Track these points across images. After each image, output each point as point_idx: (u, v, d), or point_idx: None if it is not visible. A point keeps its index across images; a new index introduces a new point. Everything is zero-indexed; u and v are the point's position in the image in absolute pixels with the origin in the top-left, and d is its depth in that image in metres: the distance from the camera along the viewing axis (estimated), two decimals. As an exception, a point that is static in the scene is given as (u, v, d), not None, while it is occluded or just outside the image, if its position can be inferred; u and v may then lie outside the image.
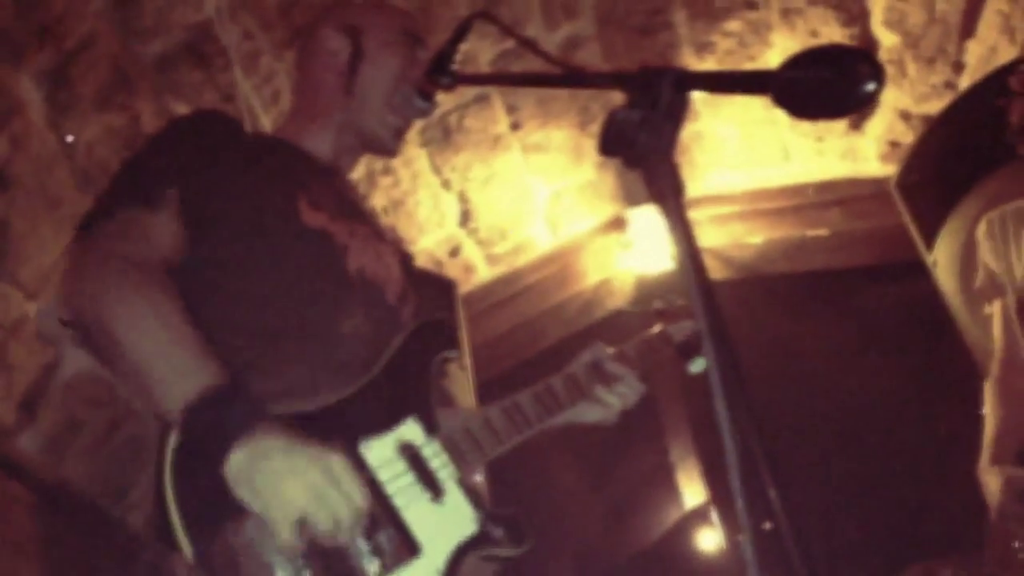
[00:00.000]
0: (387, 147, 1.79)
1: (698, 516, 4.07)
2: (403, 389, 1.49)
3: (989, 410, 2.13)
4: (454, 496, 1.43)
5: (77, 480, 2.33)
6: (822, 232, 3.78)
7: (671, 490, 4.15)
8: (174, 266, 1.46)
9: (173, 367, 1.28)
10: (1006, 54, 2.88)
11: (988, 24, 2.93)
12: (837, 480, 3.38)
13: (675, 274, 3.91)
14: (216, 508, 1.23)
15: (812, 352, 3.72)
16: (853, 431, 3.50)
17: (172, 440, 1.27)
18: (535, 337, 4.05)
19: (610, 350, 1.85)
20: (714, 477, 4.01)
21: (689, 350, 2.02)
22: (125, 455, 2.48)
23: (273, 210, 1.56)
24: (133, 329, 1.30)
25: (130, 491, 2.45)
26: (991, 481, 1.96)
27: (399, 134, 1.78)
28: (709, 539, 3.99)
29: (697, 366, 2.02)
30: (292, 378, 1.43)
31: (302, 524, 1.22)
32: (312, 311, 1.51)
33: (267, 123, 2.89)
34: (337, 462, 1.26)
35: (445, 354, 1.61)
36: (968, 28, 2.99)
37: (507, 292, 4.01)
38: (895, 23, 3.06)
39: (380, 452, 1.39)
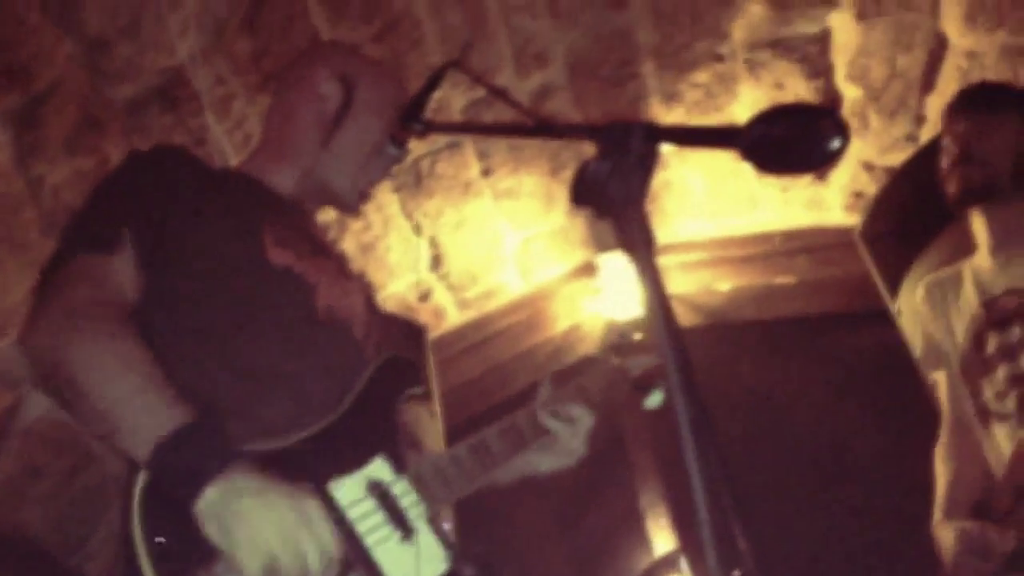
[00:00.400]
0: (349, 207, 1.77)
1: (667, 564, 4.04)
2: (370, 426, 1.48)
3: (940, 470, 2.16)
4: (424, 535, 1.42)
5: (35, 527, 2.27)
6: (789, 280, 3.83)
7: (640, 537, 4.13)
8: (135, 307, 1.45)
9: (141, 411, 1.27)
10: (965, 108, 2.96)
11: (947, 79, 3.01)
12: (803, 526, 3.39)
13: (644, 320, 3.94)
14: (185, 549, 1.21)
15: (780, 398, 3.74)
16: (820, 477, 3.52)
17: (140, 479, 1.25)
18: (505, 382, 4.04)
19: (566, 387, 1.85)
20: (684, 524, 4.00)
21: (645, 385, 2.02)
22: (85, 502, 2.43)
23: (238, 249, 1.53)
24: (96, 376, 1.29)
25: (89, 539, 2.39)
26: (945, 535, 1.98)
27: (364, 197, 1.76)
28: (679, 587, 3.97)
29: (652, 401, 2.01)
30: (260, 417, 1.42)
31: (271, 566, 1.20)
32: (280, 350, 1.49)
33: (239, 164, 2.89)
34: (311, 504, 1.25)
35: (410, 391, 1.60)
36: (928, 83, 3.08)
37: (477, 337, 4.01)
38: (858, 77, 3.14)
39: (350, 491, 1.37)
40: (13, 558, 2.00)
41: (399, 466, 1.46)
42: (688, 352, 0.87)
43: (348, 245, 3.40)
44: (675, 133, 1.01)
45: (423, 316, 3.79)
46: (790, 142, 0.87)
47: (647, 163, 0.97)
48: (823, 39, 3.12)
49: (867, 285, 3.23)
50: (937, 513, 2.06)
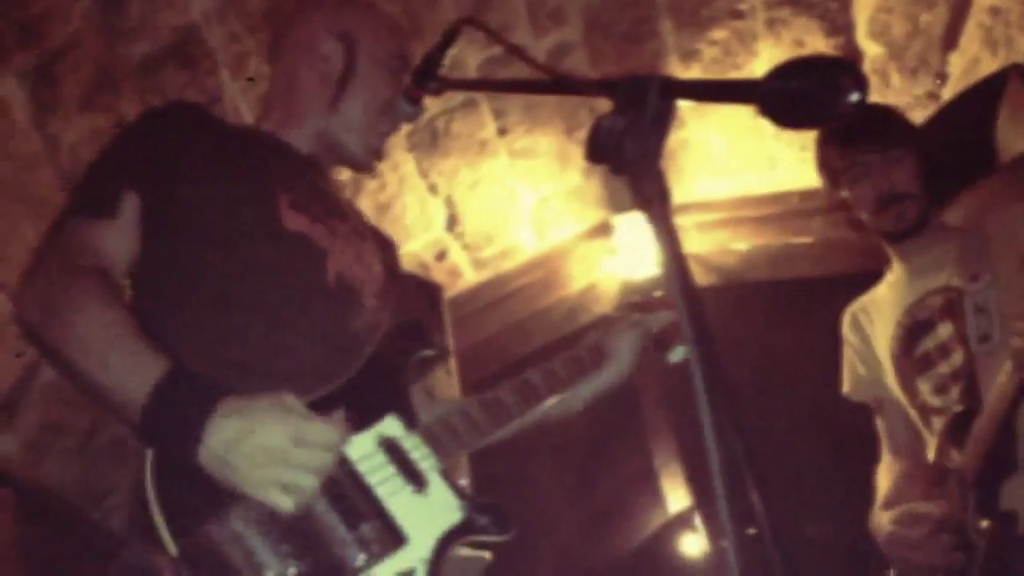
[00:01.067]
0: (362, 165, 1.75)
1: (682, 521, 4.09)
2: (381, 388, 1.49)
3: (882, 475, 2.24)
4: (437, 486, 1.44)
5: (57, 481, 2.31)
6: (806, 240, 3.80)
7: (655, 495, 4.17)
8: (128, 271, 1.45)
9: (117, 376, 1.27)
10: (988, 66, 2.91)
11: (970, 37, 2.96)
12: (816, 484, 3.40)
13: (660, 280, 3.93)
14: (199, 504, 1.23)
15: (794, 359, 3.74)
16: (833, 437, 3.53)
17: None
18: (521, 341, 4.05)
19: (598, 332, 1.89)
20: (698, 482, 4.03)
21: (666, 341, 2.02)
22: (106, 458, 2.46)
23: (251, 210, 1.52)
24: (71, 344, 1.30)
25: (111, 495, 2.43)
26: (881, 519, 2.07)
27: (377, 154, 1.73)
28: (693, 544, 4.01)
29: (676, 356, 2.02)
30: (268, 381, 1.40)
31: (286, 488, 1.22)
32: (288, 317, 1.49)
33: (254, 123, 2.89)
34: (293, 413, 1.26)
35: (422, 353, 1.60)
36: (951, 40, 3.02)
37: (493, 296, 4.02)
38: (879, 34, 3.09)
39: (360, 447, 1.39)
40: (37, 510, 2.04)
41: (411, 423, 1.47)
42: (704, 308, 0.87)
43: (364, 204, 3.40)
44: (692, 88, 0.99)
45: (439, 275, 3.79)
46: (808, 96, 0.86)
47: (663, 119, 0.96)
48: (844, -5, 3.07)
49: (881, 246, 3.20)
50: (875, 508, 2.14)
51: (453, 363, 3.34)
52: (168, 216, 1.47)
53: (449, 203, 3.65)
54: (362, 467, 1.37)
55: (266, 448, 1.22)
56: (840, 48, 3.17)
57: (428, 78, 1.59)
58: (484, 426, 1.58)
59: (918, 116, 3.22)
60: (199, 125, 1.59)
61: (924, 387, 2.06)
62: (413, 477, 1.41)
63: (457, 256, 3.88)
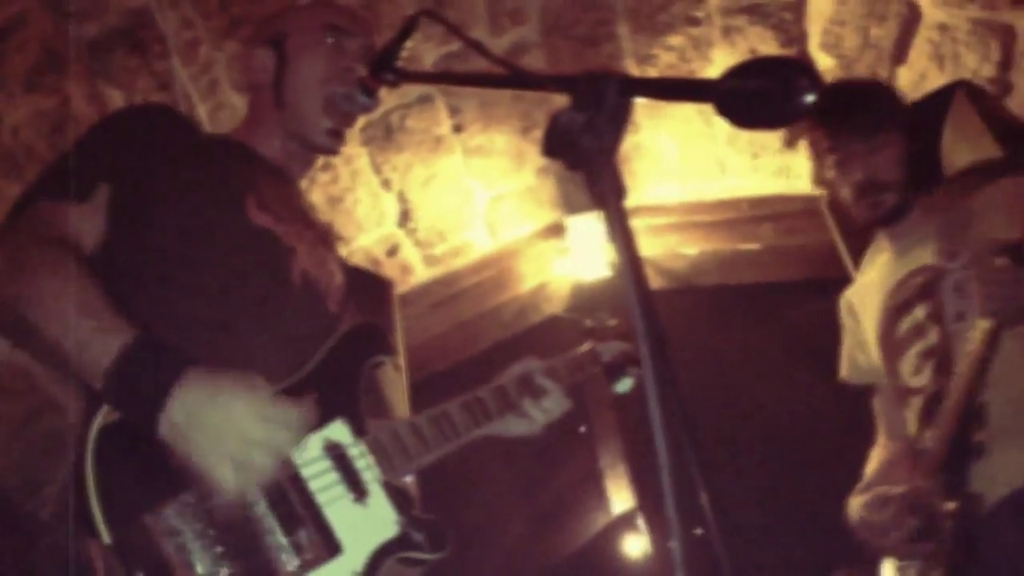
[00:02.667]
0: (325, 149, 1.78)
1: (625, 522, 4.11)
2: (332, 391, 1.48)
3: (871, 462, 2.26)
4: (377, 498, 1.43)
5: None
6: (754, 246, 3.86)
7: (599, 496, 4.18)
8: (90, 255, 1.45)
9: (83, 340, 1.27)
10: (935, 81, 2.98)
11: (918, 51, 3.03)
12: (761, 489, 3.45)
13: (611, 282, 3.96)
14: (137, 494, 1.22)
15: (741, 363, 3.79)
16: (778, 442, 3.58)
17: (96, 422, 1.24)
18: (471, 339, 4.04)
19: (541, 364, 1.86)
20: (642, 484, 4.05)
21: (616, 370, 2.06)
22: (42, 449, 2.40)
23: (218, 206, 1.54)
24: (38, 308, 1.29)
25: (45, 486, 2.37)
26: (853, 504, 2.10)
27: (336, 135, 1.76)
28: (635, 545, 4.03)
29: (623, 386, 2.06)
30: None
31: (240, 464, 1.22)
32: (249, 309, 1.49)
33: (203, 113, 2.84)
34: (261, 392, 1.27)
35: (377, 358, 1.60)
36: (899, 55, 3.09)
37: (444, 294, 4.00)
38: (831, 46, 3.15)
39: (306, 450, 1.38)
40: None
41: (358, 430, 1.46)
42: (656, 306, 0.87)
43: (316, 197, 3.36)
44: (649, 86, 1.00)
45: (390, 271, 3.77)
46: (764, 96, 0.87)
47: (621, 116, 0.97)
48: (798, 6, 3.11)
49: (831, 254, 3.26)
50: (854, 493, 2.17)
51: (402, 360, 3.32)
52: (138, 209, 1.49)
53: (402, 199, 3.63)
54: (306, 472, 1.36)
55: (227, 421, 1.22)
56: (776, 55, 3.21)
57: (385, 69, 1.58)
58: (431, 441, 1.58)
59: (866, 128, 3.29)
60: (174, 127, 1.65)
61: (904, 368, 2.06)
62: (355, 486, 1.41)
63: (408, 252, 3.86)
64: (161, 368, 1.25)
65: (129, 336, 1.27)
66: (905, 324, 2.08)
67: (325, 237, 1.75)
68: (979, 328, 1.80)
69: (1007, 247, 1.76)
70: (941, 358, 1.96)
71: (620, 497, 4.15)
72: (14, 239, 1.41)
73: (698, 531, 0.81)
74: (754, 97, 0.87)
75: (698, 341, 3.67)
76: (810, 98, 0.84)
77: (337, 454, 1.41)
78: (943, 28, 2.90)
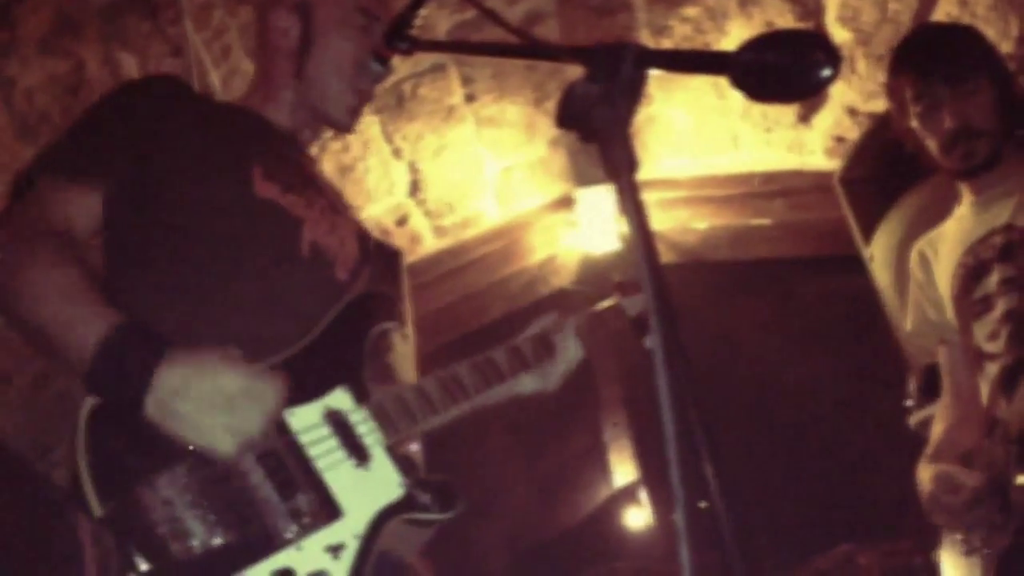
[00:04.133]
0: (342, 125, 1.75)
1: (627, 494, 4.13)
2: (336, 359, 1.47)
3: (937, 422, 2.18)
4: (380, 461, 1.42)
5: (4, 431, 2.27)
6: (766, 221, 3.84)
7: (602, 468, 4.21)
8: (95, 232, 1.46)
9: (66, 328, 1.28)
10: (952, 57, 2.95)
11: (937, 27, 2.99)
12: (767, 462, 3.46)
13: (620, 256, 3.96)
14: (128, 468, 1.22)
15: (749, 338, 3.79)
16: (786, 415, 3.59)
17: (88, 400, 1.26)
18: (479, 310, 4.05)
19: (560, 319, 1.84)
20: (645, 457, 4.07)
21: (644, 324, 2.00)
22: (52, 411, 2.42)
23: (224, 178, 1.53)
24: (25, 297, 1.31)
25: (56, 447, 2.40)
26: (924, 475, 2.02)
27: (354, 112, 1.74)
28: (637, 517, 4.06)
29: (654, 340, 2.00)
30: (222, 344, 1.41)
31: (232, 437, 1.23)
32: (254, 283, 1.49)
33: (216, 78, 2.83)
34: (233, 351, 1.28)
35: (384, 326, 1.58)
36: (918, 29, 3.05)
37: (453, 264, 4.01)
38: (848, 20, 3.11)
39: (304, 418, 1.38)
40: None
41: (361, 397, 1.46)
42: (666, 280, 0.87)
43: (327, 166, 3.36)
44: (665, 58, 0.99)
45: (399, 241, 3.77)
46: (780, 69, 0.86)
47: (636, 88, 0.96)
48: (816, -22, 3.08)
49: (842, 230, 3.24)
50: (923, 457, 2.10)
51: (410, 329, 3.33)
52: (144, 185, 1.49)
53: (413, 168, 3.63)
54: (304, 438, 1.36)
55: (213, 393, 1.23)
56: (794, 28, 3.18)
57: (399, 38, 1.56)
58: (439, 403, 1.56)
59: (881, 105, 3.26)
60: (179, 99, 1.62)
61: (979, 332, 1.97)
62: (356, 451, 1.40)
63: (418, 222, 3.85)
64: (141, 351, 1.25)
65: (108, 324, 1.27)
66: (983, 286, 1.98)
67: (336, 203, 1.72)
68: None
69: None
70: (1020, 325, 1.87)
71: (623, 470, 4.17)
72: (13, 223, 1.43)
73: (703, 504, 0.81)
74: (770, 71, 0.86)
75: (707, 315, 3.67)
76: (827, 72, 0.84)
77: (337, 420, 1.41)
78: (963, 3, 2.87)
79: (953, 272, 2.08)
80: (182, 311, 1.43)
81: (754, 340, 3.83)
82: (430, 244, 3.94)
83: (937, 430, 2.15)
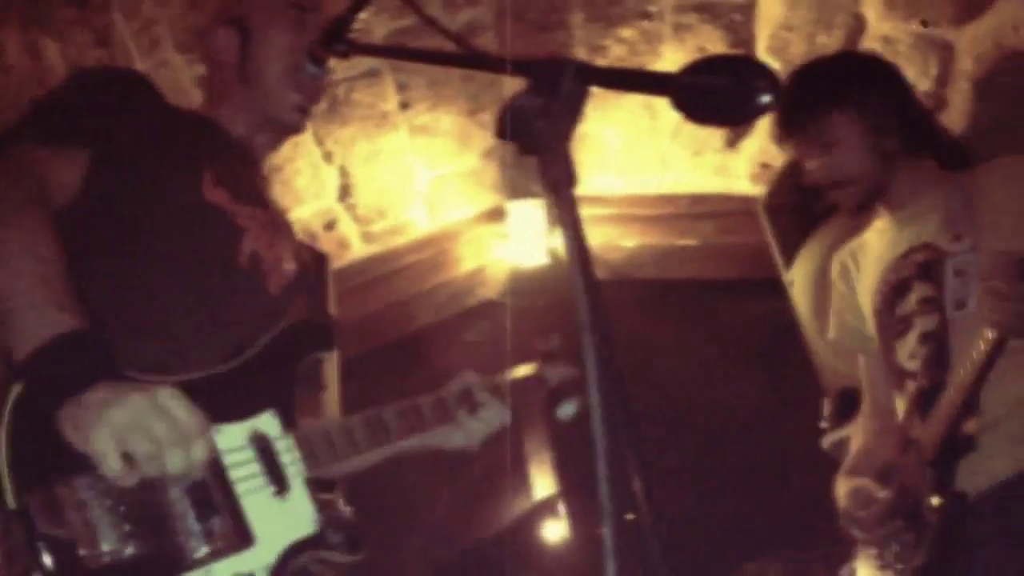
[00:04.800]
0: (291, 124, 1.77)
1: (546, 507, 4.15)
2: (268, 381, 1.46)
3: (855, 436, 2.24)
4: (298, 494, 1.41)
5: None
6: (692, 242, 3.91)
7: (522, 481, 4.22)
8: (63, 209, 1.43)
9: (31, 307, 1.23)
10: (875, 92, 3.05)
11: (861, 62, 3.09)
12: (685, 479, 3.51)
13: (548, 269, 3.98)
14: (50, 463, 1.18)
15: (672, 357, 3.85)
16: (705, 434, 3.65)
17: (15, 388, 1.21)
18: (405, 319, 4.02)
19: (483, 379, 1.84)
20: (565, 470, 4.09)
21: (560, 395, 2.05)
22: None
23: (175, 178, 1.53)
24: (3, 261, 1.26)
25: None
26: (841, 488, 2.08)
27: (301, 110, 1.75)
28: (554, 530, 4.08)
29: (564, 412, 2.04)
30: (157, 347, 1.40)
31: (126, 455, 1.18)
32: (192, 284, 1.48)
33: (143, 69, 2.76)
34: (165, 393, 1.22)
35: (318, 354, 1.58)
36: (843, 63, 3.15)
37: (380, 271, 3.98)
38: (778, 50, 3.20)
39: (230, 438, 1.36)
40: None
41: (288, 423, 1.44)
42: (602, 295, 0.88)
43: (254, 165, 3.30)
44: (608, 75, 1.00)
45: (326, 245, 3.73)
46: (723, 93, 0.88)
47: (577, 103, 0.97)
48: (749, 8, 3.15)
49: (766, 254, 3.33)
50: (841, 471, 2.15)
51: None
52: (107, 172, 1.48)
53: (343, 173, 3.59)
54: (227, 459, 1.34)
55: (118, 413, 1.18)
56: (736, 53, 3.25)
57: (336, 40, 1.55)
58: (362, 443, 1.57)
59: (806, 133, 3.35)
60: (147, 96, 1.65)
61: (900, 349, 2.02)
62: (276, 479, 1.39)
63: (347, 227, 3.81)
64: (78, 372, 1.21)
65: (70, 325, 1.23)
66: (903, 304, 2.03)
67: (279, 221, 1.72)
68: (984, 338, 1.75)
69: (1015, 261, 1.69)
70: (938, 346, 1.92)
71: (543, 483, 4.18)
72: None
73: (630, 516, 0.82)
74: (712, 94, 0.88)
75: (631, 333, 3.72)
76: (766, 99, 0.86)
77: (262, 446, 1.39)
78: (886, 40, 2.98)
79: (876, 288, 2.13)
80: (121, 303, 1.42)
81: (677, 358, 3.89)
82: (358, 250, 3.90)
83: (856, 443, 2.21)
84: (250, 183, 1.68)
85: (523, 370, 2.02)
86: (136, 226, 1.48)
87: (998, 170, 2.04)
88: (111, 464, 1.17)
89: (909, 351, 2.00)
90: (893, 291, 2.07)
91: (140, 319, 1.41)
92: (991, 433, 1.83)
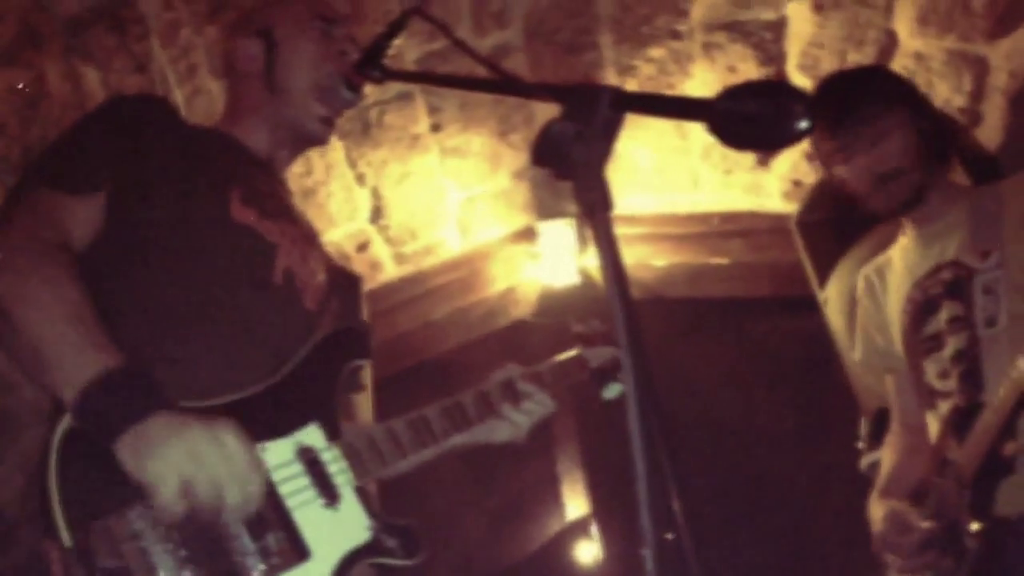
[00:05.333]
0: (316, 136, 1.77)
1: (578, 528, 4.13)
2: (309, 394, 1.47)
3: (887, 454, 2.20)
4: (349, 503, 1.42)
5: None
6: (723, 261, 3.90)
7: (555, 501, 4.21)
8: (86, 251, 1.45)
9: (70, 348, 1.25)
10: (907, 108, 3.04)
11: (893, 78, 3.08)
12: (717, 501, 3.49)
13: (579, 289, 3.98)
14: (101, 496, 1.20)
15: (703, 375, 3.83)
16: (736, 455, 3.62)
17: (63, 423, 1.23)
18: (437, 339, 4.04)
19: (524, 370, 1.85)
20: (598, 490, 4.08)
21: (605, 376, 2.04)
22: (-3, 428, 2.36)
23: (203, 200, 1.54)
24: (31, 313, 1.27)
25: (-1, 465, 2.33)
26: (876, 511, 2.04)
27: (327, 122, 1.76)
28: (587, 551, 4.06)
29: (611, 392, 2.04)
30: (197, 373, 1.41)
31: (185, 490, 1.19)
32: (228, 306, 1.49)
33: (180, 97, 2.81)
34: (228, 432, 1.23)
35: (356, 362, 1.59)
36: (874, 80, 3.14)
37: (412, 292, 4.00)
38: (808, 67, 3.19)
39: (277, 454, 1.37)
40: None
41: (333, 434, 1.46)
42: (637, 313, 0.88)
43: (288, 188, 3.34)
44: (643, 101, 1.01)
45: (359, 267, 3.76)
46: (758, 119, 0.89)
47: (612, 129, 0.98)
48: (779, 26, 3.15)
49: (798, 272, 3.31)
50: (875, 492, 2.11)
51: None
52: (132, 202, 1.49)
53: (375, 195, 3.62)
54: (276, 475, 1.35)
55: (181, 450, 1.20)
56: (770, 78, 3.25)
57: (371, 66, 1.58)
58: (407, 446, 1.57)
59: (838, 151, 3.34)
60: (165, 120, 1.64)
61: (930, 369, 1.99)
62: (326, 491, 1.40)
63: (379, 249, 3.84)
64: (132, 405, 1.23)
65: (113, 361, 1.25)
66: (932, 323, 2.00)
67: (309, 234, 1.73)
68: (1019, 367, 1.71)
69: None
70: (970, 365, 1.89)
71: (575, 503, 4.17)
72: (17, 230, 1.39)
73: (669, 536, 0.82)
74: (748, 120, 0.88)
75: (663, 352, 3.71)
76: (803, 125, 0.86)
77: (309, 459, 1.40)
78: (919, 57, 2.96)
79: (902, 307, 2.10)
80: (157, 332, 1.43)
81: (708, 376, 3.87)
82: (390, 271, 3.93)
83: (887, 463, 2.17)
84: (277, 198, 1.68)
85: (565, 355, 2.01)
86: (165, 254, 1.48)
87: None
88: (167, 493, 1.18)
89: (939, 370, 1.98)
90: (920, 309, 2.05)
91: (177, 347, 1.42)
92: None
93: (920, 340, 2.05)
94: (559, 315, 3.98)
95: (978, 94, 2.86)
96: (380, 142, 3.43)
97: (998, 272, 1.91)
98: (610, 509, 3.99)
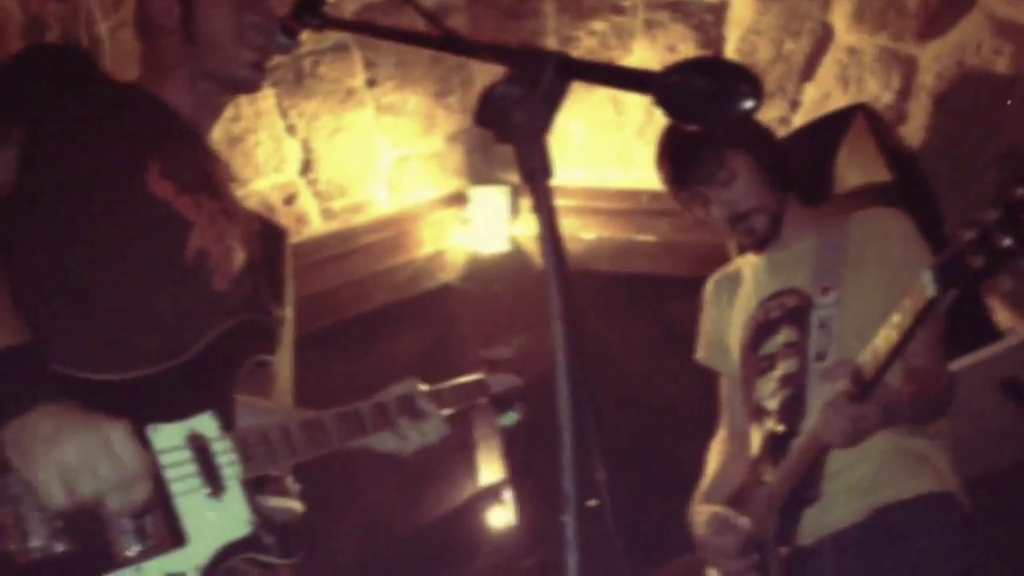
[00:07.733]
0: (247, 82, 1.70)
1: (491, 494, 4.17)
2: (207, 383, 1.45)
3: (712, 459, 2.29)
4: (234, 495, 1.40)
5: None
6: (650, 238, 3.95)
7: (469, 466, 4.23)
8: None
9: None
10: (837, 101, 3.11)
11: (826, 71, 3.15)
12: (627, 472, 3.55)
13: (507, 256, 3.98)
14: None
15: (623, 350, 3.88)
16: (651, 428, 3.69)
17: None
18: (361, 298, 4.00)
19: (425, 388, 1.84)
20: (513, 457, 4.11)
21: (503, 404, 2.07)
22: None
23: (117, 171, 1.48)
24: None
25: None
26: (698, 516, 2.11)
27: (257, 66, 1.68)
28: (500, 516, 4.10)
29: (507, 420, 2.07)
30: (95, 346, 1.38)
31: (68, 487, 1.16)
32: (133, 282, 1.45)
33: (104, 30, 2.70)
34: (114, 429, 1.21)
35: (260, 357, 1.56)
36: (808, 71, 3.20)
37: (339, 249, 3.95)
38: (745, 53, 3.24)
39: (167, 438, 1.35)
40: None
41: (227, 425, 1.43)
42: (572, 279, 0.89)
43: (215, 134, 3.25)
44: (590, 69, 1.01)
45: (284, 219, 3.69)
46: (706, 95, 0.89)
47: (556, 95, 0.98)
48: (720, 10, 3.19)
49: (722, 254, 3.37)
50: (697, 497, 2.19)
51: (290, 311, 3.26)
52: (42, 163, 1.42)
53: (306, 147, 3.56)
54: (164, 459, 1.33)
55: (65, 448, 1.16)
56: (716, 57, 3.29)
57: (310, 12, 1.54)
58: (299, 447, 1.56)
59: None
60: (85, 76, 1.57)
61: (761, 387, 2.07)
62: (212, 481, 1.38)
63: (307, 203, 3.78)
64: (19, 392, 1.18)
65: (9, 338, 1.21)
66: (769, 344, 2.08)
67: (230, 208, 1.67)
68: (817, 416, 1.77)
69: (856, 376, 1.68)
70: (795, 393, 1.97)
71: (490, 469, 4.20)
72: None
73: (591, 503, 0.83)
74: (695, 95, 0.89)
75: (585, 322, 3.74)
76: (749, 103, 0.87)
77: (199, 447, 1.38)
78: (852, 51, 3.03)
79: (745, 322, 2.18)
80: (61, 302, 1.39)
81: (625, 351, 3.92)
82: (317, 226, 3.87)
83: (711, 467, 2.25)
84: (198, 168, 1.62)
85: (467, 378, 2.02)
86: (75, 222, 1.43)
87: (873, 223, 2.10)
88: (54, 495, 1.15)
89: (768, 390, 2.05)
90: (761, 329, 2.12)
91: (80, 318, 1.38)
92: (831, 483, 1.85)
93: (756, 358, 2.12)
94: (486, 282, 3.98)
95: (905, 92, 2.94)
96: (313, 93, 3.36)
97: (833, 310, 1.99)
98: (524, 476, 4.04)
